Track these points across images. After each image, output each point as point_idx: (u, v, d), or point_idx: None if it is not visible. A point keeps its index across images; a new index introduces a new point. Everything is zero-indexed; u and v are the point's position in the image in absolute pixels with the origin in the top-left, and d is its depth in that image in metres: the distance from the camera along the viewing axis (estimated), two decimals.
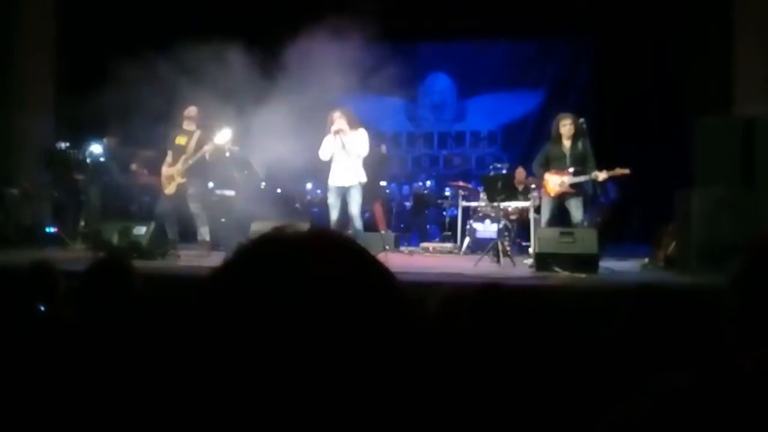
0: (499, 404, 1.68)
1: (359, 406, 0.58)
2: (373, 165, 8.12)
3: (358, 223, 6.91)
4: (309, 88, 6.88)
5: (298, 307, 0.58)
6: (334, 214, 6.90)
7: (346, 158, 6.84)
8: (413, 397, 0.61)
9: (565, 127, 6.97)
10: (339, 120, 6.81)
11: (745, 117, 6.83)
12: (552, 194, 7.02)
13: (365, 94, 9.43)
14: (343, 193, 6.88)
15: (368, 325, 0.60)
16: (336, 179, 6.93)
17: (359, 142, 6.89)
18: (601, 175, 6.84)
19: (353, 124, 6.91)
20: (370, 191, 8.51)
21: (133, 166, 8.59)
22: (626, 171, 6.92)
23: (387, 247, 7.88)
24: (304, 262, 0.61)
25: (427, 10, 9.59)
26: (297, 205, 9.88)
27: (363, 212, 9.18)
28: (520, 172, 8.19)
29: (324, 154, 6.88)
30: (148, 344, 2.30)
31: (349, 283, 0.61)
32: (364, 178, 6.91)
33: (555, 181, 6.99)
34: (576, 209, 6.97)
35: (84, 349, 2.19)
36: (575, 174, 6.92)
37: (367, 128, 7.11)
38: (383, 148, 9.95)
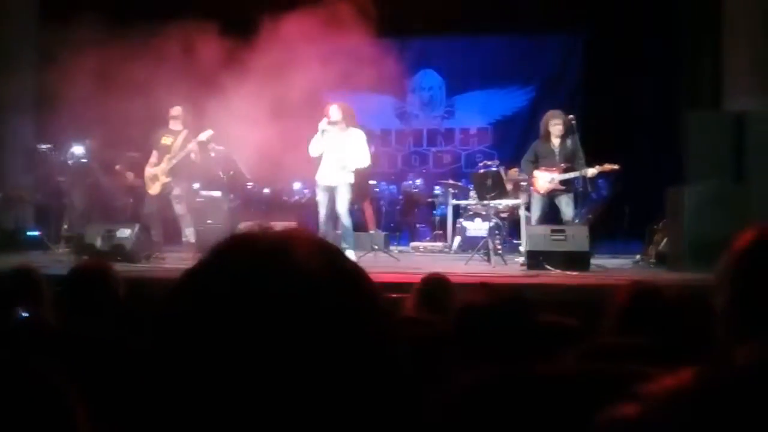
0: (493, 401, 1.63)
1: (332, 406, 0.57)
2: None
3: (346, 220, 6.81)
4: (296, 85, 6.80)
5: (267, 310, 0.58)
6: (322, 212, 6.79)
7: (335, 156, 6.70)
8: (388, 396, 0.60)
9: (555, 126, 6.95)
10: (333, 114, 6.65)
11: (734, 112, 6.84)
12: (542, 191, 7.00)
13: (353, 91, 9.37)
14: (331, 191, 6.75)
15: (338, 326, 0.59)
16: (324, 177, 6.78)
17: (353, 141, 6.73)
18: (591, 171, 6.81)
19: (350, 122, 6.76)
20: (359, 190, 8.44)
21: (118, 167, 8.48)
22: (615, 166, 6.90)
23: (375, 247, 7.82)
24: (273, 264, 0.61)
25: (417, 6, 9.54)
26: (284, 199, 9.79)
27: (352, 210, 9.15)
28: (513, 172, 8.16)
29: (314, 149, 6.72)
30: (132, 348, 2.23)
31: (318, 282, 0.61)
32: (352, 179, 6.77)
33: (545, 179, 6.97)
34: (566, 206, 6.95)
35: (67, 354, 2.13)
36: (565, 171, 6.90)
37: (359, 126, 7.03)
38: (371, 148, 9.87)
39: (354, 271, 0.64)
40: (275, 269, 0.60)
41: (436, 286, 3.25)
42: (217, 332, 0.57)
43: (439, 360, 1.97)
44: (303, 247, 0.62)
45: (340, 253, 0.65)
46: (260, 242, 0.63)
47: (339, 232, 6.93)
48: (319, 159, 6.76)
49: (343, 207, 6.72)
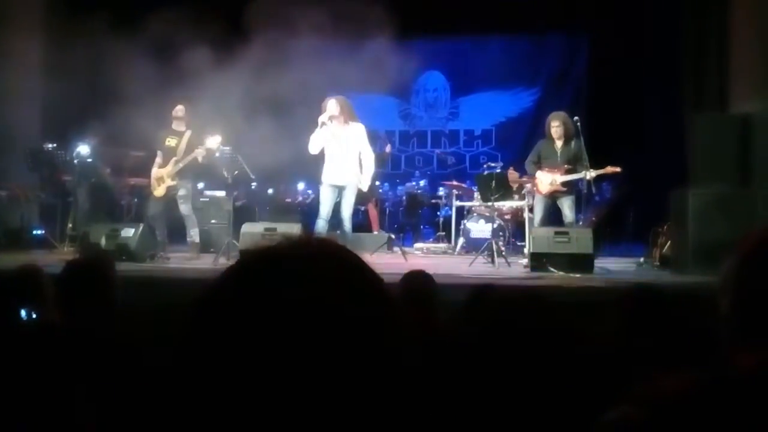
0: (496, 404, 1.63)
1: (353, 415, 0.58)
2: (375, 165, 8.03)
3: (347, 225, 6.61)
4: (300, 85, 6.78)
5: (290, 322, 0.58)
6: (324, 209, 6.50)
7: (340, 153, 6.45)
8: (408, 404, 0.61)
9: (555, 128, 6.97)
10: (332, 108, 6.38)
11: (740, 114, 6.80)
12: (543, 193, 6.99)
13: (357, 92, 9.36)
14: (338, 192, 6.51)
15: (360, 339, 0.60)
16: (330, 177, 6.51)
17: (355, 136, 6.50)
18: (591, 174, 6.79)
19: (350, 117, 6.52)
20: (365, 192, 8.42)
21: (108, 174, 8.48)
22: (617, 169, 6.89)
23: (392, 236, 7.82)
24: (298, 277, 0.61)
25: (421, 8, 9.54)
26: (288, 199, 9.79)
27: (356, 212, 9.12)
28: (512, 173, 8.15)
29: (313, 146, 6.45)
30: (131, 351, 2.23)
31: (342, 297, 0.61)
32: (359, 177, 6.52)
33: (546, 180, 6.96)
34: (568, 209, 6.93)
35: (69, 354, 2.13)
36: (566, 173, 6.89)
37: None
38: (388, 148, 9.81)
39: (377, 285, 0.64)
40: (300, 282, 0.60)
41: (419, 282, 3.15)
42: (240, 344, 0.58)
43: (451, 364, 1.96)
44: (329, 261, 0.63)
45: (364, 267, 0.65)
46: (286, 255, 0.64)
47: (338, 232, 6.80)
48: (322, 158, 6.57)
49: (347, 211, 6.52)
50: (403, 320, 0.64)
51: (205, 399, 0.58)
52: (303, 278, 0.61)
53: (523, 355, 1.73)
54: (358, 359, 0.59)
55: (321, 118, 6.40)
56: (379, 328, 0.61)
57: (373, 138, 10.62)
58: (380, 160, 8.75)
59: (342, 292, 0.61)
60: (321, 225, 6.47)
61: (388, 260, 7.19)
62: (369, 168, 6.59)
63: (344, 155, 6.47)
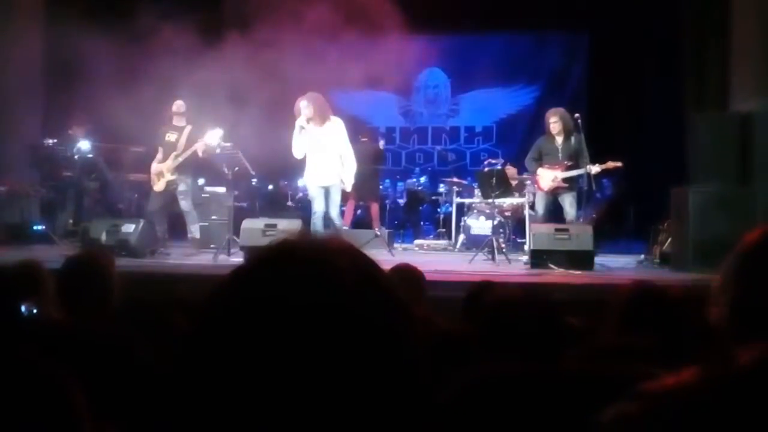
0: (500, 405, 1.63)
1: (360, 412, 0.58)
2: (368, 161, 8.01)
3: (338, 223, 6.64)
4: (301, 81, 6.77)
5: (302, 320, 0.58)
6: (317, 208, 6.48)
7: (320, 156, 6.40)
8: (413, 403, 0.61)
9: (553, 124, 6.98)
10: (306, 110, 6.30)
11: (741, 113, 6.80)
12: (546, 189, 7.00)
13: (358, 89, 9.37)
14: (325, 191, 6.49)
15: (371, 338, 0.60)
16: (314, 178, 6.48)
17: (334, 134, 6.42)
18: (594, 169, 6.79)
19: (325, 113, 6.42)
20: (368, 189, 8.41)
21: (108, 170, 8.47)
22: (618, 164, 6.90)
23: (378, 233, 7.84)
24: (311, 275, 0.61)
25: (422, 4, 9.53)
26: (289, 202, 9.80)
27: (356, 209, 9.13)
28: (510, 169, 8.14)
29: (297, 151, 6.41)
30: (136, 346, 2.24)
31: (354, 295, 0.61)
32: (342, 176, 6.48)
33: (548, 176, 6.97)
34: (570, 206, 6.94)
35: (71, 350, 2.13)
36: (568, 168, 6.89)
37: (361, 124, 6.97)
38: (381, 144, 9.82)
39: (388, 285, 0.64)
40: (314, 280, 0.60)
41: (404, 276, 3.12)
42: (251, 340, 0.58)
43: (450, 360, 1.97)
44: (342, 260, 0.63)
45: (376, 267, 0.66)
46: (300, 252, 0.64)
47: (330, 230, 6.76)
48: (304, 160, 6.52)
49: (334, 211, 6.53)
50: (413, 321, 0.64)
51: (207, 403, 0.57)
52: (312, 282, 0.61)
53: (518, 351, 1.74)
54: (369, 365, 0.59)
55: (298, 122, 6.34)
56: (391, 335, 0.61)
57: (375, 134, 10.63)
58: (375, 156, 8.73)
59: (353, 297, 0.61)
60: (318, 222, 6.49)
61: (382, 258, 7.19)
62: (350, 165, 6.51)
63: (325, 157, 6.42)
